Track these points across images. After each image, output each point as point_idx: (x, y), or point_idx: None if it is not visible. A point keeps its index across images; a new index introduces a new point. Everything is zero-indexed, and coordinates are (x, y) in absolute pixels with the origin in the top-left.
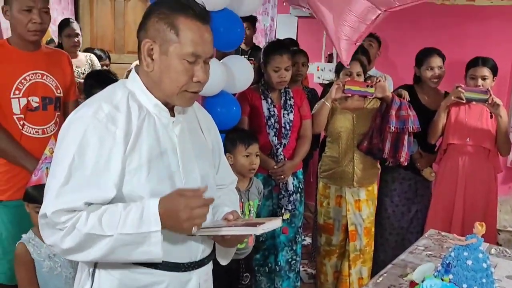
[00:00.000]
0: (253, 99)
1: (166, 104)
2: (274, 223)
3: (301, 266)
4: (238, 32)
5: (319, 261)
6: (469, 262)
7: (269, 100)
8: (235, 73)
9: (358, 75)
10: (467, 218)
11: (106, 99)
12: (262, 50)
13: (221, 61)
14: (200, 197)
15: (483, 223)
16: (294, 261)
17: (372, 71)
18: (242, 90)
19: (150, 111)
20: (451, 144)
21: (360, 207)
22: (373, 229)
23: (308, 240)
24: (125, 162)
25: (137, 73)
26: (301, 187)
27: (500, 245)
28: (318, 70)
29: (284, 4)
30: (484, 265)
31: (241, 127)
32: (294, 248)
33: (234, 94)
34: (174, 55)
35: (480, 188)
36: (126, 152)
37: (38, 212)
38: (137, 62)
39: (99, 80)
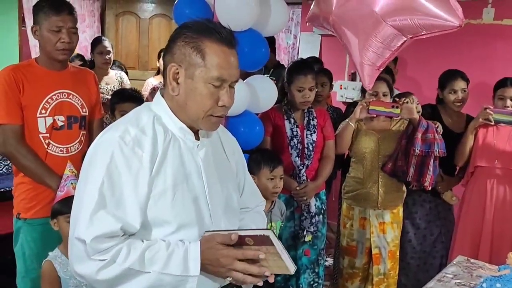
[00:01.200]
0: (276, 119)
1: (191, 127)
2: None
3: None
4: (263, 52)
5: (341, 284)
6: None
7: (292, 120)
8: (259, 93)
9: (384, 95)
10: (495, 244)
11: (132, 123)
12: (286, 69)
13: (245, 80)
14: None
15: None
16: (317, 284)
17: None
18: (266, 110)
19: (176, 135)
20: (478, 167)
21: (384, 229)
22: (397, 253)
23: (330, 261)
24: (151, 185)
25: (162, 96)
26: (324, 208)
27: None
28: (341, 88)
29: (307, 24)
30: None
31: (263, 147)
32: (316, 270)
33: (257, 114)
34: (200, 79)
35: (509, 212)
36: (152, 176)
37: (69, 222)
38: (152, 78)
39: (122, 97)
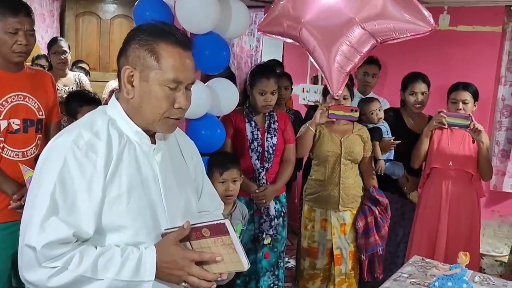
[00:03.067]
0: (237, 121)
1: (147, 131)
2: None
3: None
4: (224, 55)
5: (302, 285)
6: None
7: (253, 123)
8: (220, 96)
9: (345, 98)
10: (450, 243)
11: (86, 126)
12: (249, 72)
13: (206, 83)
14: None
15: (467, 253)
16: (277, 286)
17: (370, 94)
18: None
19: (131, 139)
20: (434, 168)
21: (345, 230)
22: (357, 253)
23: (292, 263)
24: (106, 191)
25: (117, 100)
26: (284, 211)
27: (484, 269)
28: (303, 91)
29: (258, 32)
30: None
31: (224, 150)
32: (276, 273)
33: (218, 117)
34: (155, 82)
35: (463, 212)
36: (106, 181)
37: None
38: (113, 80)
39: (78, 100)
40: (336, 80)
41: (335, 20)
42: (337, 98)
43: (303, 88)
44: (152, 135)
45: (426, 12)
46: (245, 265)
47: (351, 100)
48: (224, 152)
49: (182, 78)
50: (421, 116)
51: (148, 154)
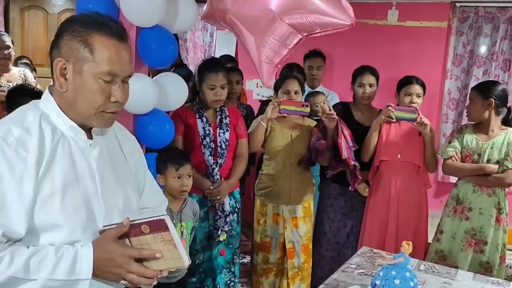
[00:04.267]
0: (187, 117)
1: (82, 126)
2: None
3: (240, 286)
4: (171, 49)
5: (255, 280)
6: (397, 282)
7: (204, 119)
8: (168, 91)
9: (296, 93)
10: (400, 234)
11: (16, 122)
12: (197, 67)
13: (153, 78)
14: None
15: (410, 242)
16: (233, 283)
17: (319, 88)
18: (176, 109)
19: (65, 134)
20: (383, 161)
21: (297, 224)
22: (310, 246)
23: (248, 258)
24: (37, 189)
25: (51, 94)
26: (238, 207)
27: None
28: (257, 87)
29: (202, 21)
30: (411, 283)
31: (175, 146)
32: (232, 269)
33: (168, 113)
34: (89, 74)
35: (411, 203)
36: (38, 179)
37: None
38: None
39: (20, 94)
40: (265, 71)
41: (257, 11)
42: (268, 87)
43: (257, 84)
44: (88, 130)
45: (347, 6)
46: (185, 261)
47: (302, 94)
48: (174, 147)
49: (118, 70)
50: (370, 110)
51: (84, 150)
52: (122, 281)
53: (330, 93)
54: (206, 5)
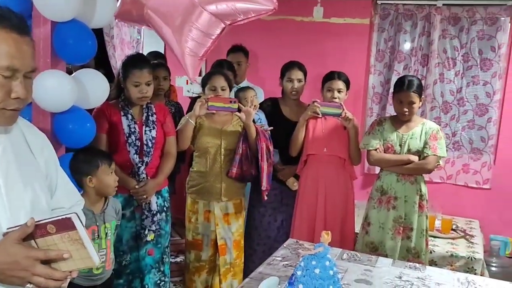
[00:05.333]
0: (111, 115)
1: None
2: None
3: (173, 285)
4: (89, 45)
5: (188, 278)
6: (317, 271)
7: (130, 116)
8: (87, 88)
9: (223, 89)
10: (328, 225)
11: None
12: (121, 63)
13: (72, 75)
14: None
15: (329, 232)
16: (163, 283)
17: (244, 83)
18: (99, 106)
19: None
20: (310, 155)
21: (229, 220)
22: (242, 242)
23: (182, 257)
24: None
25: None
26: (167, 205)
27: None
28: (187, 83)
29: (116, 21)
30: (331, 272)
31: (98, 145)
32: (162, 269)
33: (91, 111)
34: None
35: (338, 195)
36: None
37: None
38: None
39: None
40: (190, 65)
41: (176, 4)
42: (194, 81)
43: (187, 80)
44: None
45: None
46: (95, 260)
47: (230, 91)
48: (90, 147)
49: (18, 65)
50: (299, 105)
51: None
52: (28, 285)
53: (256, 88)
54: (119, 3)
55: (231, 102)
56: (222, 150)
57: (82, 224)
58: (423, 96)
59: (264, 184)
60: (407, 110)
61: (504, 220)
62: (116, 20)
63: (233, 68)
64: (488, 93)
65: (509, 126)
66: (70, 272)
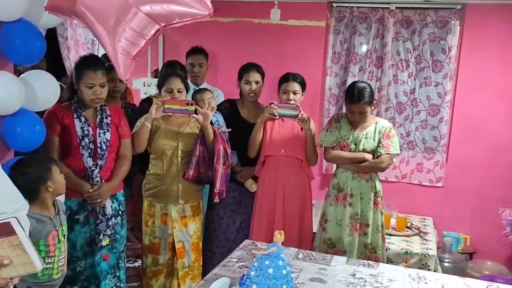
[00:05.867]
0: (64, 117)
1: None
2: None
3: None
4: (38, 45)
5: (146, 283)
6: (270, 271)
7: (83, 119)
8: (36, 90)
9: (179, 91)
10: (287, 226)
11: None
12: (74, 65)
13: (20, 76)
14: None
15: (282, 231)
16: None
17: (204, 85)
18: (50, 108)
19: None
20: (268, 156)
21: (186, 223)
22: (201, 244)
23: (140, 262)
24: None
25: None
26: (122, 209)
27: (315, 248)
28: (144, 85)
29: (48, 13)
30: (284, 271)
31: (50, 148)
32: (117, 274)
33: (42, 113)
34: None
35: (296, 196)
36: None
37: None
38: None
39: None
40: (122, 64)
41: (111, 2)
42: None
43: (144, 82)
44: None
45: None
46: (37, 265)
47: (187, 92)
48: (33, 152)
49: None
50: (257, 107)
51: None
52: None
53: (215, 90)
54: None
55: (188, 104)
56: (179, 152)
57: (23, 229)
58: (375, 101)
59: (218, 186)
60: (358, 119)
61: (456, 217)
62: (47, 12)
63: (185, 69)
64: (440, 94)
65: (459, 125)
66: (11, 278)
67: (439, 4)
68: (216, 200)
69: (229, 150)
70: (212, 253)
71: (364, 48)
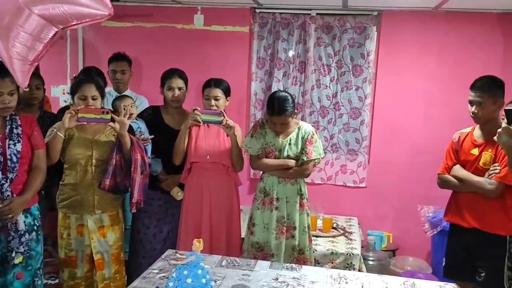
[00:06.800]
0: None
1: None
2: None
3: None
4: None
5: None
6: (189, 281)
7: None
8: None
9: (94, 99)
10: (214, 233)
11: None
12: None
13: None
14: None
15: (201, 240)
16: None
17: (127, 92)
18: None
19: None
20: (194, 163)
21: (105, 233)
22: (122, 255)
23: None
24: None
25: None
26: (37, 224)
27: (243, 253)
28: (64, 93)
29: None
30: (204, 280)
31: None
32: None
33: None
34: None
35: (223, 202)
36: None
37: None
38: None
39: None
40: (19, 70)
41: (2, 3)
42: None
43: (64, 90)
44: None
45: None
46: None
47: (102, 99)
48: None
49: None
50: (181, 113)
51: None
52: None
53: (138, 97)
54: None
55: (103, 112)
56: (94, 161)
57: None
58: (296, 111)
59: (135, 196)
60: (280, 130)
61: (380, 215)
62: None
63: (102, 75)
64: (361, 97)
65: (379, 127)
66: None
67: (357, 11)
68: (134, 210)
69: (147, 159)
70: (139, 264)
71: (287, 53)
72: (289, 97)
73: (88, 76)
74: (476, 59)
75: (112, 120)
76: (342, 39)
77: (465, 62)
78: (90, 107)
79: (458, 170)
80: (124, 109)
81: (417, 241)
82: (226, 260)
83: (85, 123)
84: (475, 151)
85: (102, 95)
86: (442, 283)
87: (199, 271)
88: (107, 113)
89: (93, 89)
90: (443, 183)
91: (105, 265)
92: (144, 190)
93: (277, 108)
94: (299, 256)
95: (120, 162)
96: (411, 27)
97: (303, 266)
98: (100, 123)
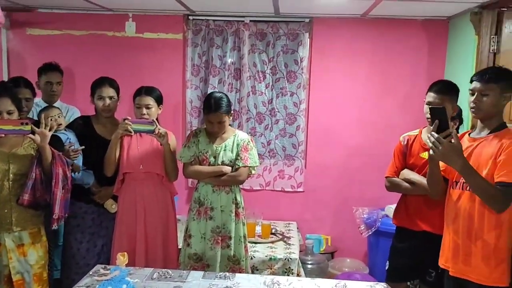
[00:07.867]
0: None
1: None
2: None
3: None
4: None
5: None
6: None
7: None
8: None
9: (9, 113)
10: (150, 245)
11: None
12: None
13: None
14: None
15: (125, 253)
16: None
17: (58, 104)
18: None
19: None
20: (126, 174)
21: (25, 252)
22: (45, 274)
23: None
24: None
25: None
26: None
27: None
28: None
29: None
30: None
31: None
32: None
33: None
34: None
35: (158, 213)
36: None
37: None
38: None
39: None
40: None
41: None
42: None
43: None
44: None
45: None
46: None
47: (19, 112)
48: None
49: None
50: (113, 123)
51: None
52: None
53: (70, 108)
54: None
55: (22, 124)
56: (11, 175)
57: None
58: (233, 112)
59: (56, 212)
60: (217, 129)
61: (317, 219)
62: None
63: (31, 86)
64: (296, 103)
65: (314, 132)
66: None
67: (289, 18)
68: (55, 226)
69: (69, 173)
70: (71, 280)
71: (222, 60)
72: (225, 96)
73: (5, 90)
74: (403, 62)
75: (33, 132)
76: (276, 45)
77: (393, 66)
78: (8, 118)
79: (409, 173)
80: (50, 119)
81: (354, 242)
82: (158, 272)
83: (3, 135)
84: (425, 155)
85: (19, 108)
86: (372, 283)
87: (124, 286)
88: (27, 124)
89: (8, 103)
90: (392, 187)
91: (26, 286)
92: (66, 205)
93: (214, 106)
94: (234, 266)
95: (40, 176)
96: (342, 34)
97: (237, 274)
98: (19, 135)
